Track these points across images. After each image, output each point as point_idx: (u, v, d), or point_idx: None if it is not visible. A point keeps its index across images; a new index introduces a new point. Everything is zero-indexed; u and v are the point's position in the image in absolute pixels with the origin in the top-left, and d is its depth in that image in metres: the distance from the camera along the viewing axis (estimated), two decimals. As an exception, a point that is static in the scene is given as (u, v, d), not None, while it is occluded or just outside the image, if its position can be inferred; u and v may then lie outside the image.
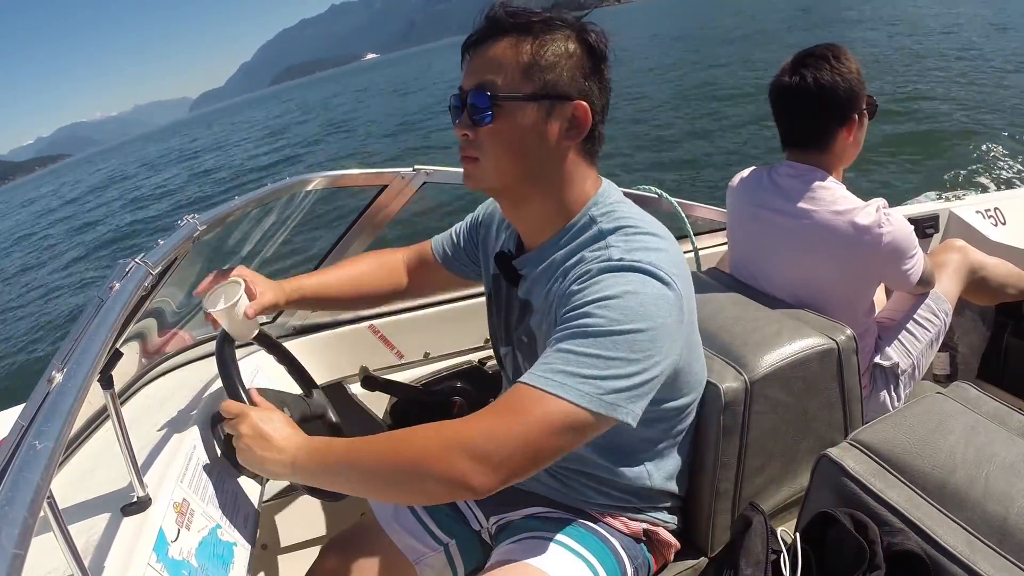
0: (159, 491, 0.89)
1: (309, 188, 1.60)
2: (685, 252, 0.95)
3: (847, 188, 1.36)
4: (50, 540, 0.61)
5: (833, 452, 0.90)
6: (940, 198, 2.29)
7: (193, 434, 1.05)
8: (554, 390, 0.75)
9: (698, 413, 1.05)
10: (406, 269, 1.23)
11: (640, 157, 9.47)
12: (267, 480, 1.12)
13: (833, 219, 1.31)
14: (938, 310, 1.56)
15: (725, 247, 1.94)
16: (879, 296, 1.64)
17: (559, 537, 0.99)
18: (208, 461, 1.02)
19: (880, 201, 1.33)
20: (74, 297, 9.94)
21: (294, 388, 1.24)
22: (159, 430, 1.08)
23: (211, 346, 1.29)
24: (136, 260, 0.93)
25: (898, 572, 0.76)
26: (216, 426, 1.03)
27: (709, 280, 1.47)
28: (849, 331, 1.17)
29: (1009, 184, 5.91)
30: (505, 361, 1.09)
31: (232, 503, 1.00)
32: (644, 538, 1.05)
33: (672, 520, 1.08)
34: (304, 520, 1.78)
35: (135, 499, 0.87)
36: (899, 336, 1.53)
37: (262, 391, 1.03)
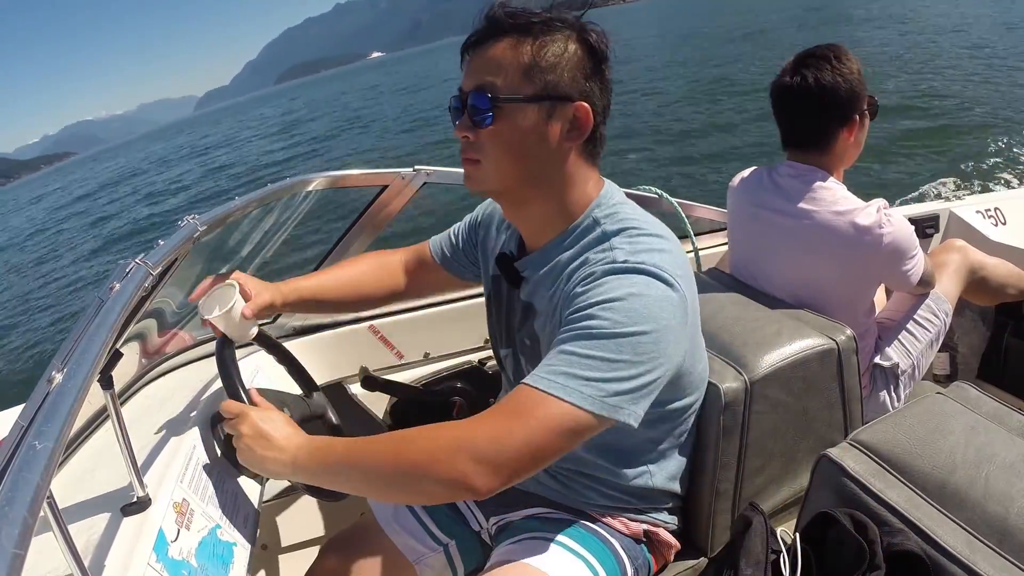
0: (159, 491, 0.89)
1: (309, 188, 1.60)
2: (685, 252, 0.95)
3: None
4: (50, 540, 0.61)
5: (833, 452, 0.90)
6: (942, 197, 2.30)
7: (193, 434, 1.05)
8: (557, 392, 0.75)
9: (698, 413, 1.05)
10: (404, 270, 1.23)
11: (639, 156, 9.51)
12: (267, 480, 1.12)
13: (834, 219, 1.31)
14: (938, 310, 1.56)
15: (725, 247, 1.94)
16: (879, 296, 1.64)
17: (559, 538, 0.99)
18: (208, 461, 1.02)
19: (881, 202, 1.33)
20: (88, 293, 10.07)
21: (294, 388, 1.24)
22: (159, 430, 1.08)
23: (211, 346, 1.29)
24: (136, 260, 0.93)
25: (898, 572, 0.76)
26: (216, 426, 1.03)
27: (709, 280, 1.47)
28: (849, 331, 1.17)
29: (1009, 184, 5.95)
30: (505, 363, 1.09)
31: (232, 503, 1.00)
32: (644, 539, 1.05)
33: (672, 521, 1.08)
34: (304, 520, 1.78)
35: (135, 499, 0.87)
36: (899, 336, 1.53)
37: (262, 391, 1.03)
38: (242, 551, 0.95)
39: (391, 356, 1.83)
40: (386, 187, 1.68)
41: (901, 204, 5.85)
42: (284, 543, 1.75)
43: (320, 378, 1.61)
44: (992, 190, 5.80)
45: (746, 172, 1.53)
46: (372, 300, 1.22)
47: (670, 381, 0.85)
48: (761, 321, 1.21)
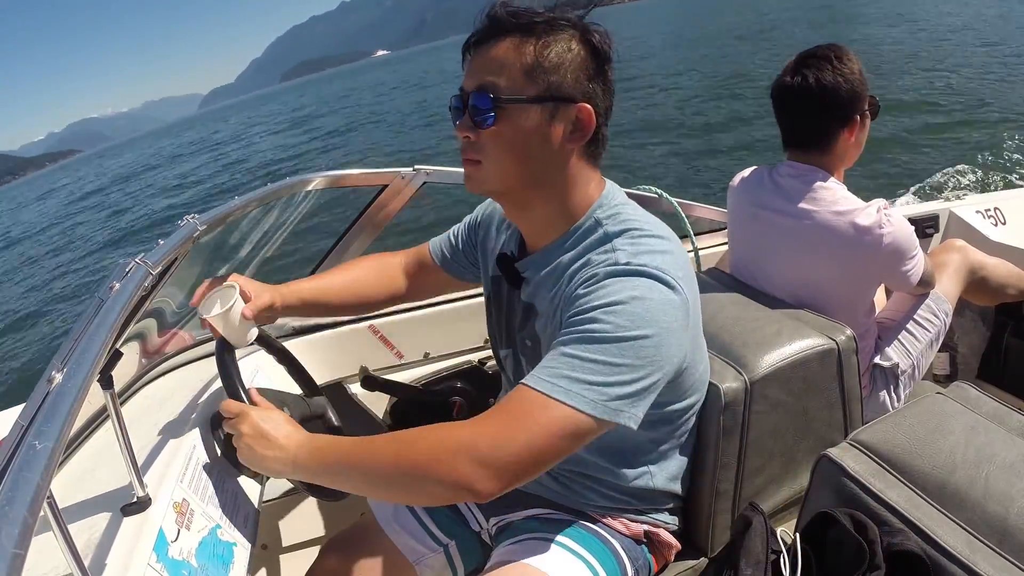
0: (159, 491, 0.89)
1: (309, 188, 1.60)
2: (686, 252, 0.95)
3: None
4: (50, 540, 0.61)
5: (833, 452, 0.90)
6: (942, 197, 2.30)
7: (193, 434, 1.05)
8: (559, 396, 0.75)
9: (698, 414, 1.05)
10: (405, 273, 1.22)
11: (639, 154, 9.55)
12: (267, 480, 1.12)
13: (834, 220, 1.31)
14: (938, 310, 1.56)
15: (725, 247, 1.94)
16: (879, 296, 1.64)
17: (559, 538, 0.99)
18: (208, 461, 1.02)
19: (881, 202, 1.33)
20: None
21: (294, 388, 1.24)
22: (159, 430, 1.08)
23: (211, 346, 1.29)
24: (136, 260, 0.93)
25: (898, 572, 0.76)
26: (216, 426, 1.03)
27: (709, 280, 1.47)
28: (849, 331, 1.17)
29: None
30: (505, 363, 1.08)
31: (232, 503, 1.00)
32: (644, 539, 1.05)
33: (672, 521, 1.08)
34: (304, 520, 1.78)
35: (135, 499, 0.87)
36: (899, 336, 1.53)
37: (262, 391, 1.03)
38: (242, 551, 0.95)
39: (391, 356, 1.83)
40: (386, 187, 1.68)
41: (917, 190, 5.97)
42: (284, 543, 1.75)
43: (320, 378, 1.61)
44: (1012, 180, 5.89)
45: (746, 172, 1.53)
46: (372, 303, 1.21)
47: (671, 382, 0.85)
48: (761, 321, 1.21)
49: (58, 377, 0.68)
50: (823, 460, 0.91)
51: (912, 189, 6.13)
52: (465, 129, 0.85)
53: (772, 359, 1.10)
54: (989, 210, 2.14)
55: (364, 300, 1.19)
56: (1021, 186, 5.71)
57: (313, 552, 1.19)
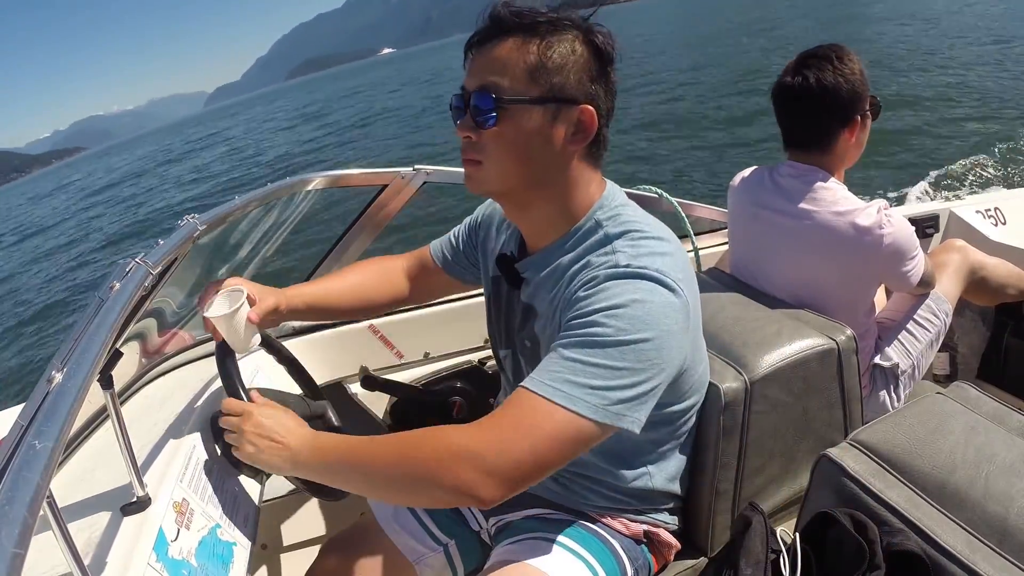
0: (159, 491, 0.89)
1: (309, 188, 1.60)
2: (686, 252, 0.95)
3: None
4: (50, 539, 0.61)
5: (833, 452, 0.90)
6: (942, 196, 2.30)
7: (193, 434, 1.05)
8: (562, 401, 0.75)
9: (698, 414, 1.05)
10: (407, 276, 1.22)
11: (636, 152, 9.58)
12: (267, 480, 1.12)
13: (834, 220, 1.31)
14: (938, 310, 1.56)
15: (725, 247, 1.94)
16: (879, 296, 1.64)
17: (559, 538, 0.99)
18: (208, 461, 1.02)
19: (881, 202, 1.33)
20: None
21: (294, 388, 1.24)
22: (159, 430, 1.08)
23: (211, 346, 1.29)
24: (136, 260, 0.93)
25: (898, 572, 0.76)
26: (216, 426, 1.03)
27: (709, 280, 1.47)
28: (849, 331, 1.17)
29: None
30: (504, 363, 1.08)
31: (232, 503, 1.00)
32: (644, 539, 1.05)
33: (672, 521, 1.08)
34: (304, 520, 1.78)
35: (135, 499, 0.87)
36: (899, 336, 1.53)
37: (262, 391, 1.03)
38: (242, 551, 0.95)
39: (391, 356, 1.83)
40: (385, 187, 1.68)
41: (938, 175, 6.07)
42: (284, 543, 1.75)
43: (320, 378, 1.61)
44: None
45: (747, 172, 1.53)
46: (376, 307, 1.21)
47: (671, 384, 0.85)
48: (761, 321, 1.20)
49: (58, 377, 0.68)
50: (823, 460, 0.91)
51: (932, 175, 6.31)
52: (466, 129, 0.85)
53: (772, 359, 1.10)
54: (989, 210, 2.14)
55: (367, 304, 1.19)
56: (1021, 186, 5.73)
57: (313, 552, 1.19)
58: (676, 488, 1.06)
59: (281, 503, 1.74)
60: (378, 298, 1.20)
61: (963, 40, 14.16)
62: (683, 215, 1.89)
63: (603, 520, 1.03)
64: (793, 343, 1.13)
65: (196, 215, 1.17)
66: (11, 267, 15.48)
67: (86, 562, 0.71)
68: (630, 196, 0.95)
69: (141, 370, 1.36)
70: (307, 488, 0.98)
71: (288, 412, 0.93)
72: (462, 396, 1.74)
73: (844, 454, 0.89)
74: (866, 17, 22.80)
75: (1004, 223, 2.12)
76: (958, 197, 2.25)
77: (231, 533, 0.95)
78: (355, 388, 1.77)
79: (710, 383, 1.05)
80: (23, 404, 0.68)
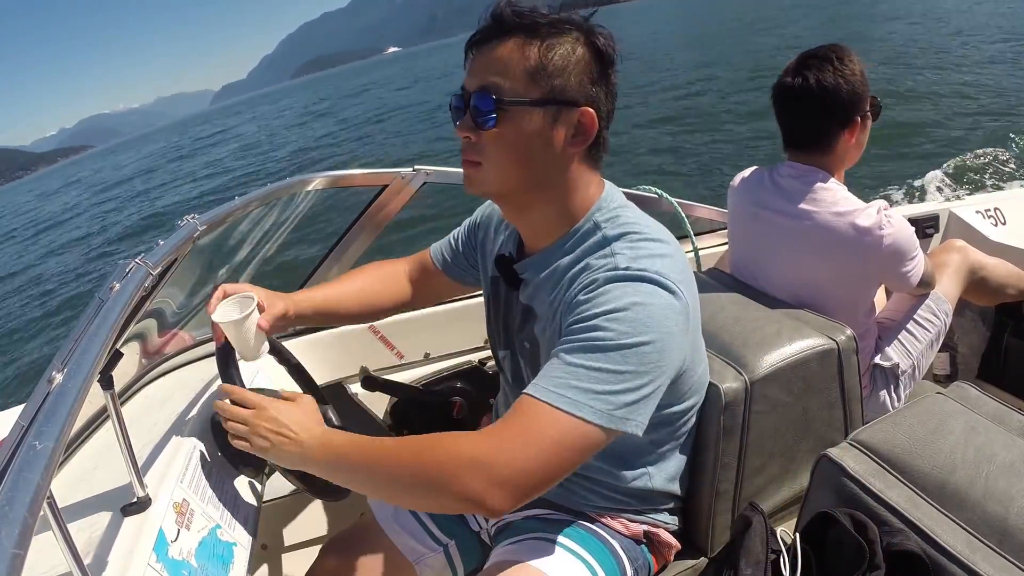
0: (159, 491, 0.89)
1: (309, 188, 1.60)
2: (685, 252, 0.95)
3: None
4: (50, 540, 0.61)
5: (833, 452, 0.90)
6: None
7: (193, 434, 1.05)
8: (567, 407, 0.75)
9: (698, 414, 1.05)
10: (408, 279, 1.22)
11: (637, 151, 9.60)
12: (267, 480, 1.12)
13: (834, 220, 1.31)
14: (938, 310, 1.56)
15: (725, 247, 1.94)
16: (879, 296, 1.64)
17: (559, 538, 0.99)
18: (208, 461, 1.02)
19: (881, 203, 1.33)
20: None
21: (295, 388, 1.24)
22: (159, 430, 1.08)
23: (211, 346, 1.29)
24: (136, 260, 0.93)
25: (898, 572, 0.76)
26: (217, 426, 1.03)
27: (709, 280, 1.47)
28: (849, 331, 1.17)
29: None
30: (504, 364, 1.08)
31: (232, 503, 1.00)
32: (644, 539, 1.05)
33: (672, 521, 1.08)
34: (304, 520, 1.78)
35: (135, 499, 0.87)
36: (899, 336, 1.53)
37: (263, 391, 1.03)
38: (242, 551, 0.95)
39: (391, 356, 1.83)
40: (385, 187, 1.68)
41: (955, 165, 6.17)
42: (284, 543, 1.75)
43: (320, 378, 1.62)
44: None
45: (747, 172, 1.53)
46: (380, 310, 1.21)
47: (671, 385, 0.85)
48: (761, 321, 1.20)
49: (58, 377, 0.68)
50: (823, 460, 0.91)
51: (943, 167, 6.36)
52: (466, 129, 0.85)
53: (772, 359, 1.10)
54: (989, 210, 2.14)
55: (372, 308, 1.20)
56: (1021, 186, 5.73)
57: (313, 552, 1.19)
58: (676, 488, 1.06)
59: (281, 503, 1.74)
60: (382, 302, 1.20)
61: (976, 38, 14.21)
62: (683, 215, 1.90)
63: (603, 520, 1.03)
64: (793, 343, 1.13)
65: (196, 215, 1.17)
66: (13, 264, 15.47)
67: (86, 562, 0.71)
68: (630, 197, 0.95)
69: (141, 370, 1.36)
70: (308, 488, 0.98)
71: (300, 407, 0.92)
72: (462, 396, 1.74)
73: (844, 454, 0.89)
74: (875, 16, 22.77)
75: (1004, 223, 2.12)
76: (958, 197, 2.25)
77: (231, 533, 0.95)
78: (355, 388, 1.77)
79: (710, 383, 1.05)
80: (23, 404, 0.68)
